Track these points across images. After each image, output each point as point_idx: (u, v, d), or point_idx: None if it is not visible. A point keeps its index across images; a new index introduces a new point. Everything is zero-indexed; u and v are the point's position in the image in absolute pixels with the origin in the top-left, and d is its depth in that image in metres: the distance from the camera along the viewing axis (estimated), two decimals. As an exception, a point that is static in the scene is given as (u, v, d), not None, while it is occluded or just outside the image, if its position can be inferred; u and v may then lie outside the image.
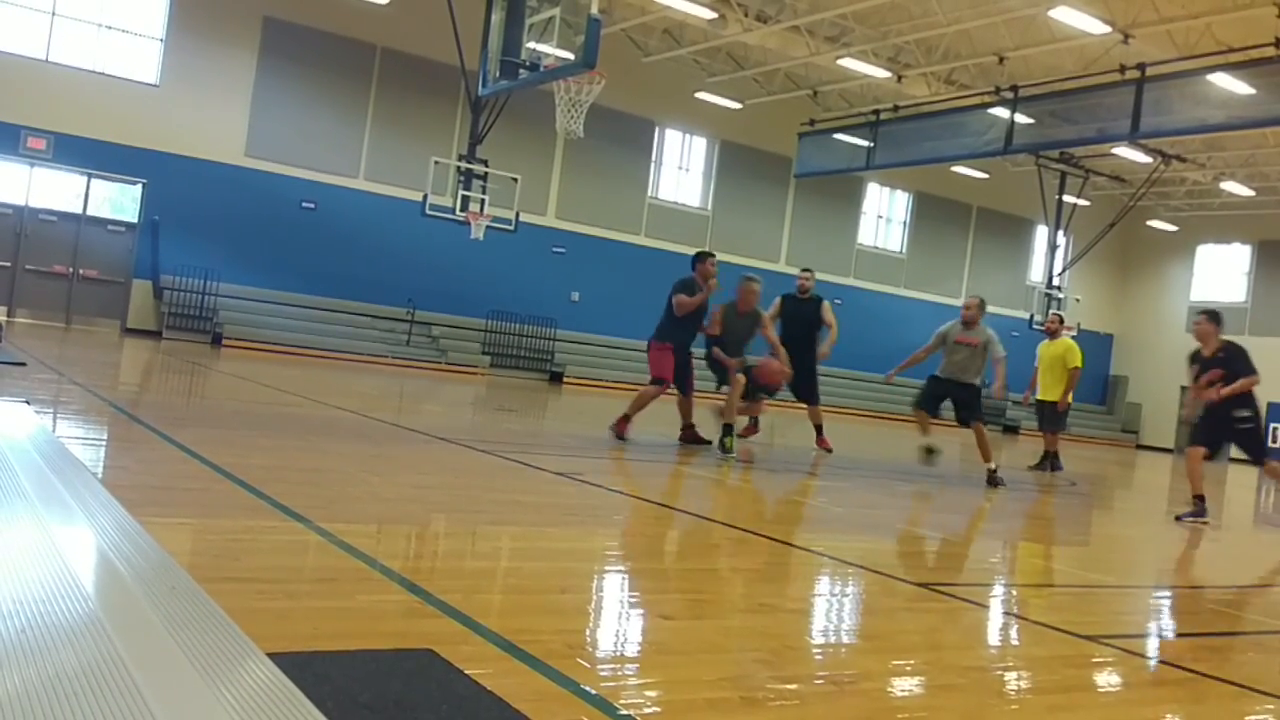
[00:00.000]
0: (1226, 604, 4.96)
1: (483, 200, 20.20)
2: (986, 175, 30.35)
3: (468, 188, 20.13)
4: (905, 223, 32.13)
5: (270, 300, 22.08)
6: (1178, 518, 8.32)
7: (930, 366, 10.19)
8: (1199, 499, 8.34)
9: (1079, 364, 12.56)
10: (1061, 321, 13.24)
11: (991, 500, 8.71)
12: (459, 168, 20.38)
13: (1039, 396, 12.82)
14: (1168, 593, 5.31)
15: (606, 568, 4.03)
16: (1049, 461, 12.56)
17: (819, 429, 11.00)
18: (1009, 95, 21.45)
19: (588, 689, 2.30)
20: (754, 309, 9.67)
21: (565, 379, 24.22)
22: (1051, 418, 12.73)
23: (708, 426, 9.72)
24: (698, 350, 9.75)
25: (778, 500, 7.16)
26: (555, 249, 25.24)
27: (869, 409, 28.49)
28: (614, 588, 3.67)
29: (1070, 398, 12.71)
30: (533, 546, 4.31)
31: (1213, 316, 8.51)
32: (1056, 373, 12.55)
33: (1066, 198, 29.65)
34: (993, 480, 9.38)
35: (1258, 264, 33.20)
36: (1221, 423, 8.31)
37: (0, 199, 20.61)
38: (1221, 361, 8.28)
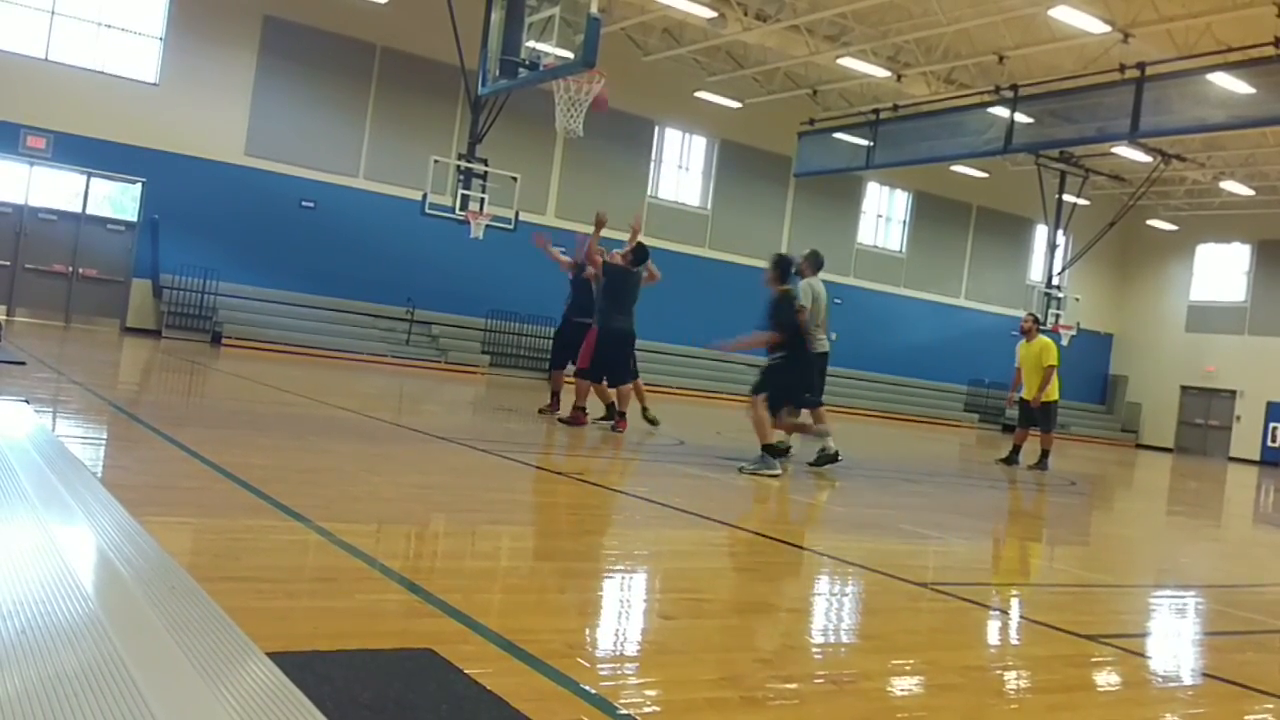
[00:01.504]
0: (1226, 604, 4.96)
1: (482, 199, 20.20)
2: (986, 174, 30.35)
3: (467, 187, 20.13)
4: (905, 222, 32.14)
5: (270, 299, 22.07)
6: (740, 469, 7.72)
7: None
8: (769, 450, 7.84)
9: (1054, 362, 12.59)
10: (1036, 321, 13.24)
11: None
12: (459, 167, 20.37)
13: (1024, 396, 12.86)
14: (1167, 592, 5.31)
15: (606, 567, 4.03)
16: (1043, 460, 12.58)
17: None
18: (1009, 94, 21.45)
19: (587, 688, 2.30)
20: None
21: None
22: (1041, 418, 12.74)
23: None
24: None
25: (778, 500, 7.16)
26: (555, 248, 25.22)
27: (870, 409, 28.49)
28: (614, 587, 3.67)
29: (1055, 394, 12.73)
30: (533, 546, 4.31)
31: (775, 263, 8.30)
32: (1039, 372, 12.59)
33: (1066, 197, 29.65)
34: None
35: (1257, 264, 33.21)
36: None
37: (0, 198, 20.61)
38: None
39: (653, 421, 10.59)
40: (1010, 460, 12.82)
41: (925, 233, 32.17)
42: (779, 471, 7.70)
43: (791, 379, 8.14)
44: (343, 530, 3.77)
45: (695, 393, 24.74)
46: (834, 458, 8.92)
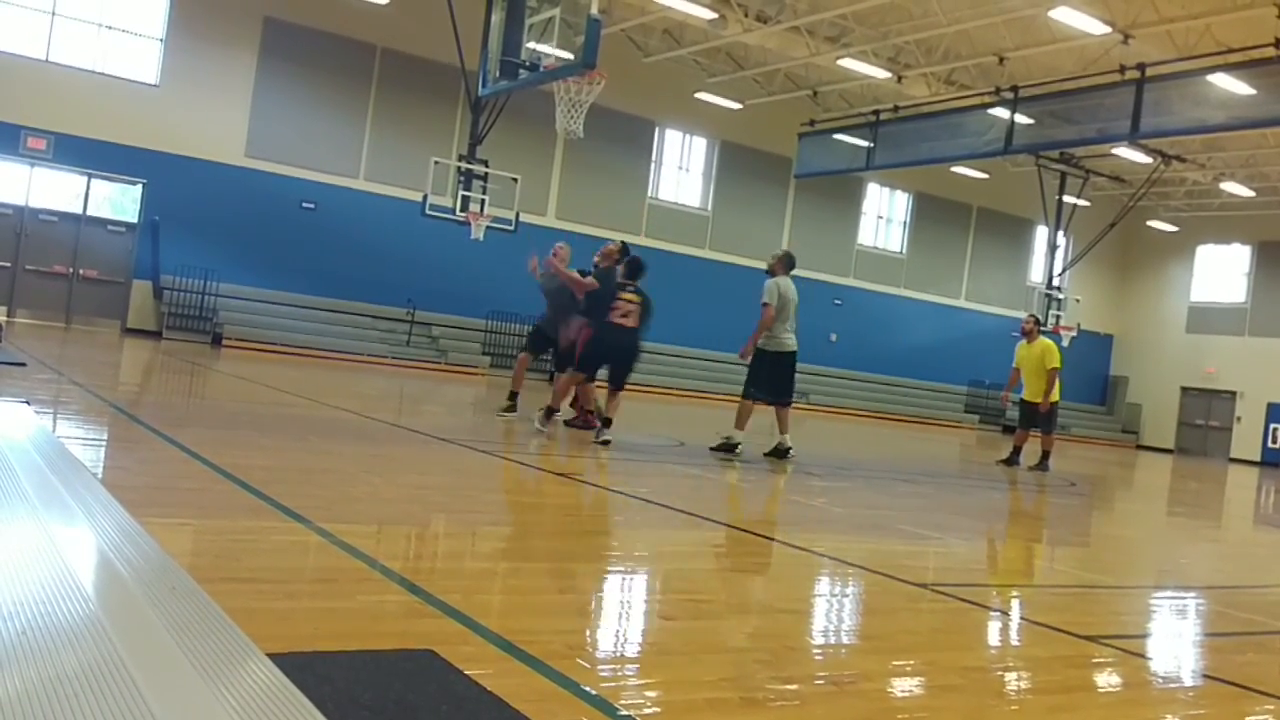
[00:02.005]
0: (1226, 604, 4.96)
1: (483, 200, 20.20)
2: (986, 175, 30.36)
3: (468, 188, 20.13)
4: (905, 223, 32.14)
5: (270, 300, 22.08)
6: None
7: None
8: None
9: (1057, 365, 12.56)
10: (1038, 323, 13.22)
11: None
12: (459, 168, 20.37)
13: (1025, 397, 12.84)
14: (1168, 593, 5.31)
15: (606, 568, 4.03)
16: (1044, 461, 12.57)
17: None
18: (1009, 95, 21.46)
19: (588, 689, 2.30)
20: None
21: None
22: (1043, 420, 12.72)
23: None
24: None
25: (778, 500, 7.16)
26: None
27: (869, 409, 28.50)
28: (614, 588, 3.67)
29: (1057, 396, 12.72)
30: (533, 547, 4.31)
31: (620, 251, 9.80)
32: (1040, 374, 12.57)
33: (1066, 198, 29.66)
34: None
35: (1257, 264, 33.21)
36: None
37: (0, 199, 20.62)
38: None
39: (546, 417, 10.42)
40: (1011, 461, 12.81)
41: (926, 234, 32.17)
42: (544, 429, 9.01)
43: (586, 350, 9.36)
44: (343, 531, 3.77)
45: (694, 393, 24.74)
46: (733, 448, 9.05)
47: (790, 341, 9.48)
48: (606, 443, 8.78)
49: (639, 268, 9.36)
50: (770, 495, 7.41)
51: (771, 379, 9.45)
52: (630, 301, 9.20)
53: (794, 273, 9.82)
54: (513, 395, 10.51)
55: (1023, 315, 14.69)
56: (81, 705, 1.62)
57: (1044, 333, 13.63)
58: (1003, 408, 14.42)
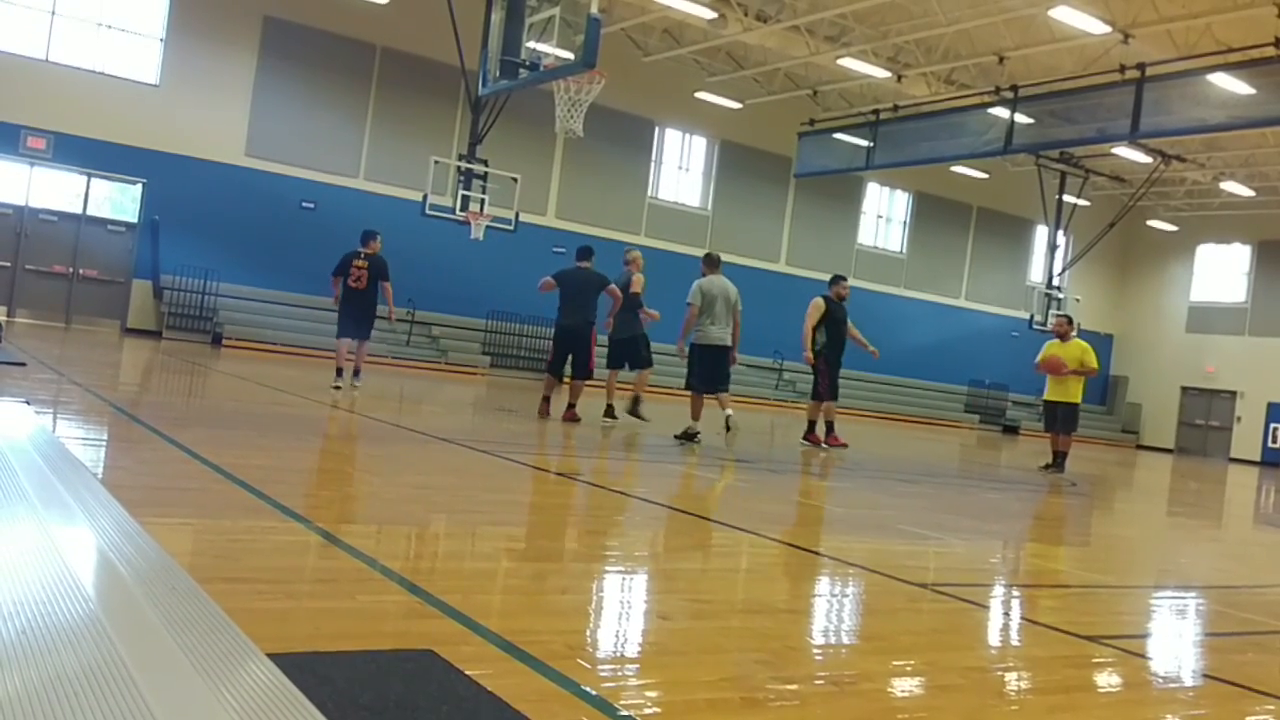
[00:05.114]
0: (1227, 605, 4.96)
1: (483, 200, 20.20)
2: (986, 175, 30.35)
3: (468, 187, 20.13)
4: (905, 223, 32.14)
5: (270, 300, 22.08)
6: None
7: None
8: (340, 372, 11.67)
9: (1096, 365, 12.52)
10: (1070, 323, 13.18)
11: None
12: (459, 167, 20.37)
13: (1048, 397, 12.73)
14: (1168, 593, 5.31)
15: (606, 568, 4.03)
16: (1060, 462, 12.52)
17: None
18: (1009, 95, 21.47)
19: (588, 689, 2.30)
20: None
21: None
22: (1066, 419, 12.61)
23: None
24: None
25: (778, 500, 7.16)
26: (555, 249, 25.19)
27: (870, 409, 28.49)
28: (614, 588, 3.67)
29: (1079, 395, 12.66)
30: (533, 547, 4.31)
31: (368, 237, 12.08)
32: (1079, 375, 12.48)
33: (1066, 198, 29.66)
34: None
35: (1257, 264, 33.22)
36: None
37: (0, 199, 20.61)
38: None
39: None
40: (1059, 467, 12.56)
41: (925, 233, 32.17)
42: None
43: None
44: (343, 531, 3.77)
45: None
46: (692, 436, 10.01)
47: (716, 335, 10.48)
48: (338, 389, 10.58)
49: (371, 235, 11.88)
50: (770, 495, 7.41)
51: (703, 370, 10.49)
52: (360, 267, 11.65)
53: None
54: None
55: (1023, 315, 14.67)
56: (81, 705, 1.62)
57: (1046, 333, 13.57)
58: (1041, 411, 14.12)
